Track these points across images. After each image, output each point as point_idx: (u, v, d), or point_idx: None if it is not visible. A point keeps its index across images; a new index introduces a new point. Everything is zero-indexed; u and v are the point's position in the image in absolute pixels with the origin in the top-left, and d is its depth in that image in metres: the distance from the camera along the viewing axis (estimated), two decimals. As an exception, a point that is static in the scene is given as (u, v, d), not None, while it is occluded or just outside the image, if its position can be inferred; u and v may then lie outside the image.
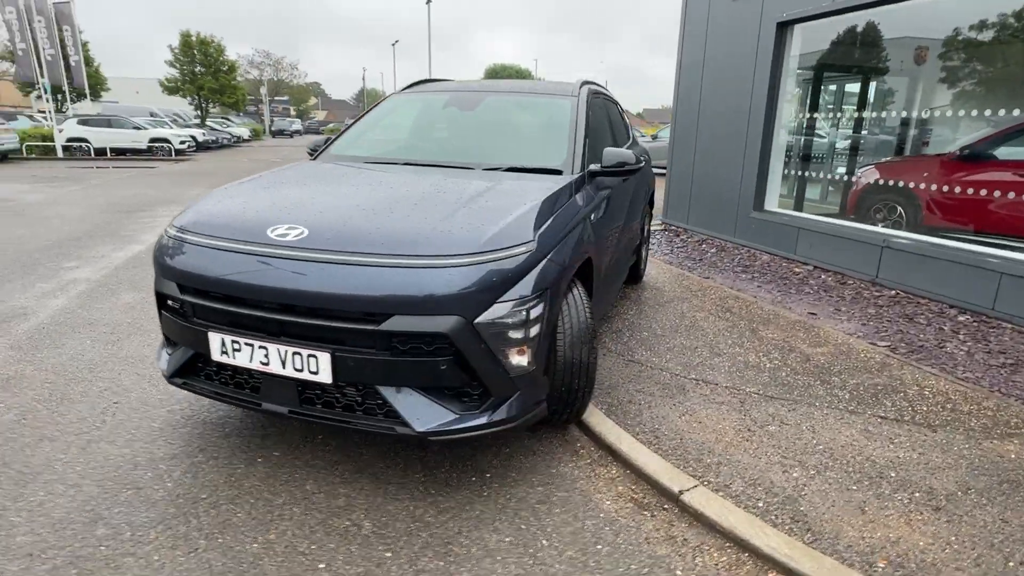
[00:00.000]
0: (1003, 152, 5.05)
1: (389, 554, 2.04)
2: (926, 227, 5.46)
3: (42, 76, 20.16)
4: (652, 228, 8.40)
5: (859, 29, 6.25)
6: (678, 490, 2.32)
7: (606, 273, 3.53)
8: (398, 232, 2.26)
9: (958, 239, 5.08)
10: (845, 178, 6.58)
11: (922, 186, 5.51)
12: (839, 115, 7.22)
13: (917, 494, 2.36)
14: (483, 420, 2.23)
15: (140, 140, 21.18)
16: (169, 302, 2.47)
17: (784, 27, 6.53)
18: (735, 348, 3.84)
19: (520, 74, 60.24)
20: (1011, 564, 2.00)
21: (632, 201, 4.40)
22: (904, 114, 6.11)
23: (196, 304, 2.33)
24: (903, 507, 2.28)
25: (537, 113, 3.58)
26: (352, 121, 3.96)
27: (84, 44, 29.27)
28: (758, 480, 2.43)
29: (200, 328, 2.32)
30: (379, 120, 3.90)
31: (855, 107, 6.96)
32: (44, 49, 20.34)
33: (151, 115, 26.94)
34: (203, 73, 36.65)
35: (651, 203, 5.53)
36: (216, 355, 2.31)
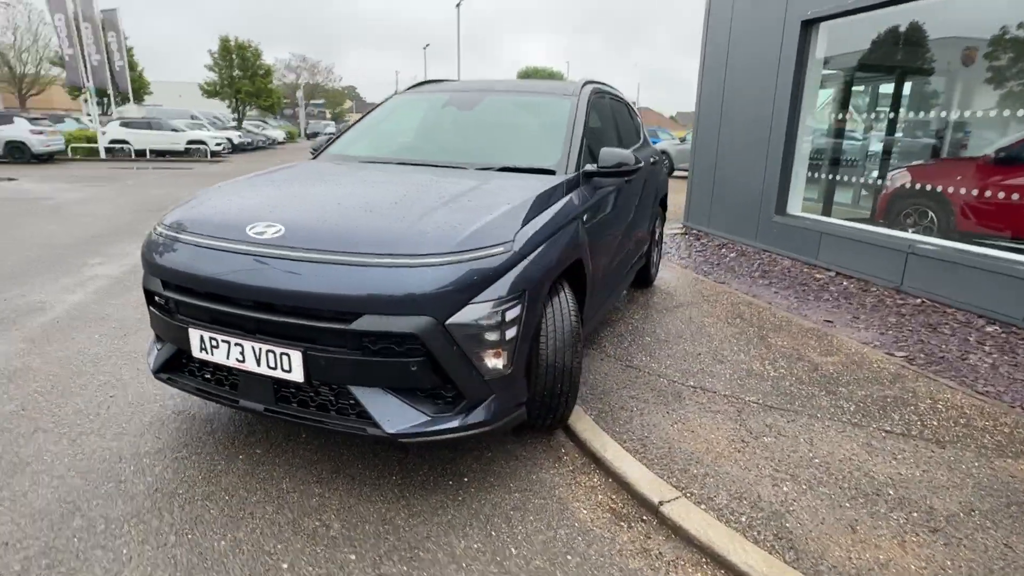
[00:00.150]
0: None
1: (353, 556, 2.01)
2: (959, 233, 5.21)
3: (88, 80, 21.00)
4: (672, 231, 8.27)
5: (890, 27, 6.01)
6: (658, 501, 2.24)
7: (604, 276, 3.46)
8: (372, 231, 2.24)
9: (991, 245, 4.82)
10: (874, 181, 6.33)
11: (955, 190, 5.25)
12: (869, 116, 6.97)
13: (915, 514, 2.22)
14: (456, 423, 2.19)
15: (178, 142, 21.85)
16: (156, 298, 2.50)
17: (809, 26, 6.33)
18: (740, 355, 3.72)
19: (552, 76, 60.13)
20: (1010, 593, 1.86)
21: (639, 203, 4.31)
22: (941, 115, 5.83)
23: (178, 300, 2.35)
24: (898, 527, 2.15)
25: (535, 113, 3.53)
26: (354, 121, 3.98)
27: (129, 50, 30.43)
28: (745, 493, 2.33)
29: (182, 324, 2.34)
30: (379, 120, 3.90)
31: (888, 108, 6.70)
32: (90, 55, 21.20)
33: (192, 118, 27.80)
34: (240, 77, 37.64)
35: (664, 205, 5.41)
36: (196, 351, 2.32)
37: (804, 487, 2.38)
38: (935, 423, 2.92)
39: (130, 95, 27.06)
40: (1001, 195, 4.87)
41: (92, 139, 20.90)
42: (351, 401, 2.18)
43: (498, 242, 2.24)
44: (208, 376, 2.43)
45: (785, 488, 2.37)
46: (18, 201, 10.07)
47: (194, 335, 2.30)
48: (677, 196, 10.06)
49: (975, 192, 5.07)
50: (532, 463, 2.58)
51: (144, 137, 21.32)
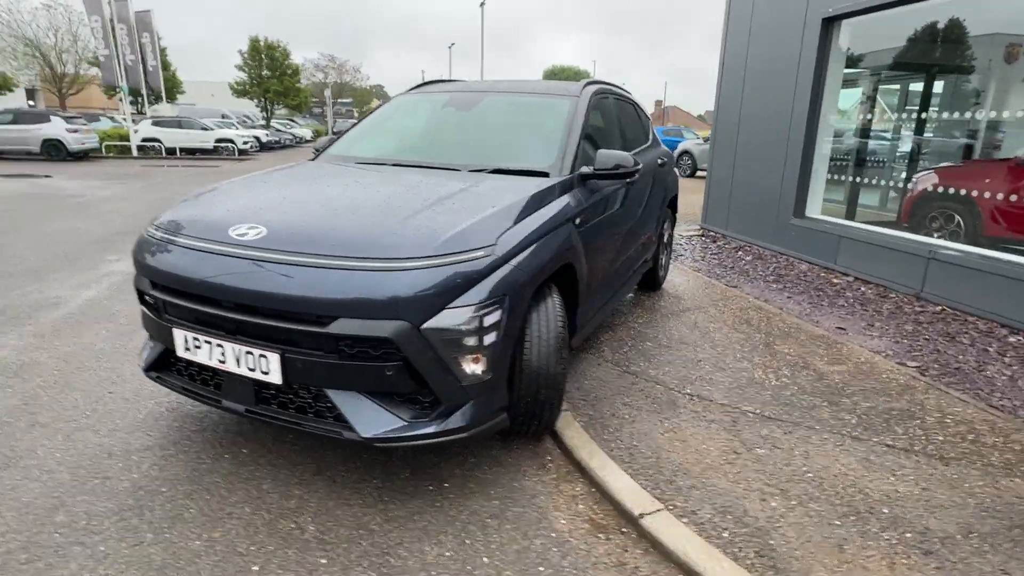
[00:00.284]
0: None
1: (324, 560, 2.00)
2: (986, 238, 5.00)
3: (122, 80, 21.58)
4: (689, 233, 8.13)
5: (916, 24, 5.80)
6: (638, 513, 2.18)
7: (602, 280, 3.40)
8: (353, 233, 2.23)
9: (1019, 252, 4.61)
10: (900, 184, 6.12)
11: (984, 193, 5.04)
12: (894, 116, 6.75)
13: (908, 534, 2.13)
14: (432, 428, 2.17)
15: (207, 140, 22.30)
16: (146, 298, 2.53)
17: (830, 23, 6.15)
18: (742, 363, 3.62)
19: (578, 75, 59.83)
20: (1002, 623, 1.76)
21: (645, 205, 4.23)
22: (972, 115, 5.60)
23: (165, 300, 2.38)
24: (888, 548, 2.06)
25: (533, 114, 3.48)
26: (355, 121, 3.98)
27: (163, 50, 31.22)
28: (730, 508, 2.26)
29: (167, 324, 2.37)
30: (380, 121, 3.91)
31: (916, 108, 6.47)
32: (125, 55, 21.79)
33: (222, 116, 28.37)
34: (269, 76, 38.25)
35: (673, 207, 5.30)
36: (181, 351, 2.34)
37: (794, 502, 2.30)
38: (941, 438, 2.80)
39: (163, 94, 27.74)
40: (1029, 199, 4.66)
41: (125, 137, 21.45)
42: (328, 404, 2.17)
43: (479, 246, 2.21)
44: (194, 376, 2.45)
45: (773, 503, 2.29)
46: (51, 198, 10.38)
47: (179, 335, 2.32)
48: (695, 196, 9.91)
49: (1005, 196, 4.86)
50: (516, 470, 2.54)
51: (174, 135, 21.82)
